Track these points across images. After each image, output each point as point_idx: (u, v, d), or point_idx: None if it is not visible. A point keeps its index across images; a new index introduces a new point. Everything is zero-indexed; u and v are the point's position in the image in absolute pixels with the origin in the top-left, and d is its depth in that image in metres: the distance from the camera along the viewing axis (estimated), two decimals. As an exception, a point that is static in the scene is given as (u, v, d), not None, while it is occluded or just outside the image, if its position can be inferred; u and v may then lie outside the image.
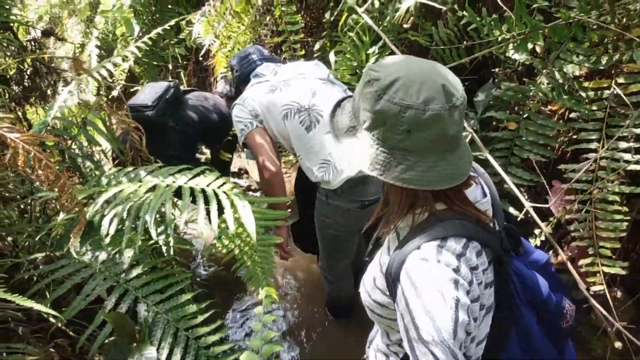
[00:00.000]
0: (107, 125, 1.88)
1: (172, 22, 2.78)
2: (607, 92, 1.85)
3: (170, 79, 4.00)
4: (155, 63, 4.02)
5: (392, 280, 0.88)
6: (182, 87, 3.01)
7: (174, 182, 1.61)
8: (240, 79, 2.28)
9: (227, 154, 3.08)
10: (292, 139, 2.03)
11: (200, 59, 3.84)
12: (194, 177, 1.66)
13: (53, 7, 4.33)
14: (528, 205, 1.76)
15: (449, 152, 0.84)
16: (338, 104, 0.97)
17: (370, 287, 0.99)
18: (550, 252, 1.88)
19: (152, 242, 1.48)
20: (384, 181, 0.86)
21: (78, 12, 4.15)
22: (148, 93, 2.74)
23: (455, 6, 2.09)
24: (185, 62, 4.11)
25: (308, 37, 3.01)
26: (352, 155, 0.87)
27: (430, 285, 0.80)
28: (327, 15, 2.63)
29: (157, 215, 1.43)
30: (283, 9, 2.53)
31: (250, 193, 3.45)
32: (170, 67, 3.96)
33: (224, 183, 1.65)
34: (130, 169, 1.72)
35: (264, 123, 2.07)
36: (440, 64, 0.88)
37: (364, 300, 1.02)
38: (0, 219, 1.64)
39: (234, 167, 3.26)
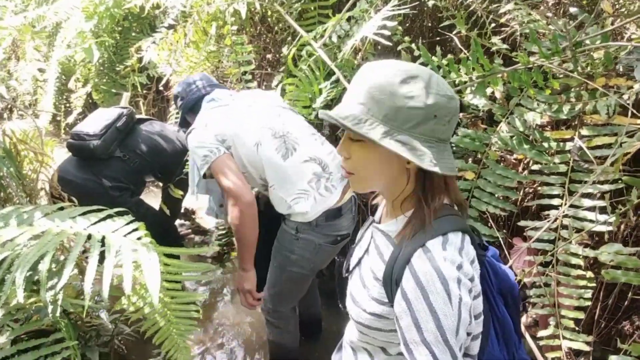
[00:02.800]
0: (14, 158, 1.65)
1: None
2: (570, 144, 1.69)
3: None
4: (114, 91, 3.85)
5: (394, 282, 0.85)
6: (139, 115, 2.80)
7: (71, 227, 1.38)
8: (187, 108, 2.05)
9: (178, 191, 2.86)
10: (265, 168, 1.80)
11: (161, 88, 3.67)
12: (99, 221, 1.44)
13: (14, 30, 4.16)
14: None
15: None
16: None
17: (365, 301, 0.93)
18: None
19: (32, 301, 1.23)
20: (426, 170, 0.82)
21: (37, 36, 3.98)
22: (97, 119, 2.53)
23: (413, 45, 1.95)
24: (145, 91, 3.93)
25: (269, 70, 2.86)
26: (411, 156, 0.81)
27: (437, 284, 0.79)
28: (284, 49, 2.49)
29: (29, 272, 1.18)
30: (234, 38, 2.37)
31: (196, 238, 3.19)
32: (129, 95, 3.77)
33: (134, 230, 1.43)
34: (27, 208, 1.49)
35: (232, 150, 1.81)
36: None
37: (357, 318, 0.94)
38: None
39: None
